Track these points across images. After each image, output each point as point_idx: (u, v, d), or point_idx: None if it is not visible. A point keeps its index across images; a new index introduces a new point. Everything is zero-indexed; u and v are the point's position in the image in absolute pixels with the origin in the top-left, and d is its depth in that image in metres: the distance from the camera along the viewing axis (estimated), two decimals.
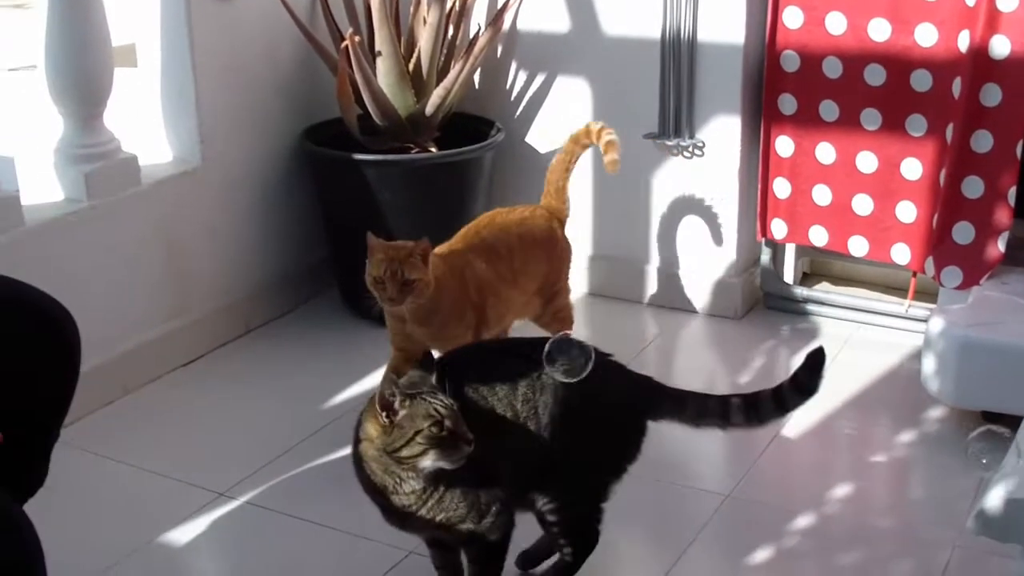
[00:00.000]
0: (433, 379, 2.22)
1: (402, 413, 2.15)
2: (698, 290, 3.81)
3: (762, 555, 2.63)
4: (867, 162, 3.46)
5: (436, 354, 2.36)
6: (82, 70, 3.17)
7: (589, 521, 2.40)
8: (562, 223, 3.27)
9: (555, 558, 2.44)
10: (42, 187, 3.24)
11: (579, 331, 3.76)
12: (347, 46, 3.45)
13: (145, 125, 3.54)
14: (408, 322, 2.93)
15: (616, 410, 2.41)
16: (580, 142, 3.27)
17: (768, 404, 2.45)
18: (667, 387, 2.44)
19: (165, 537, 2.73)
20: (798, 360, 3.37)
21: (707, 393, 2.44)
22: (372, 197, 3.57)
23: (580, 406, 2.33)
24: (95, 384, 3.17)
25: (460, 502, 2.23)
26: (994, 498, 1.86)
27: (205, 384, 3.44)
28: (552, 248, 3.21)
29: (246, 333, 3.72)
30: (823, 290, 3.84)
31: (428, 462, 2.15)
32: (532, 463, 2.32)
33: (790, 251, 3.83)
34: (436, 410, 2.14)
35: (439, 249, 3.00)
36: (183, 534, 2.74)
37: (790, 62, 3.49)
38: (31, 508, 1.64)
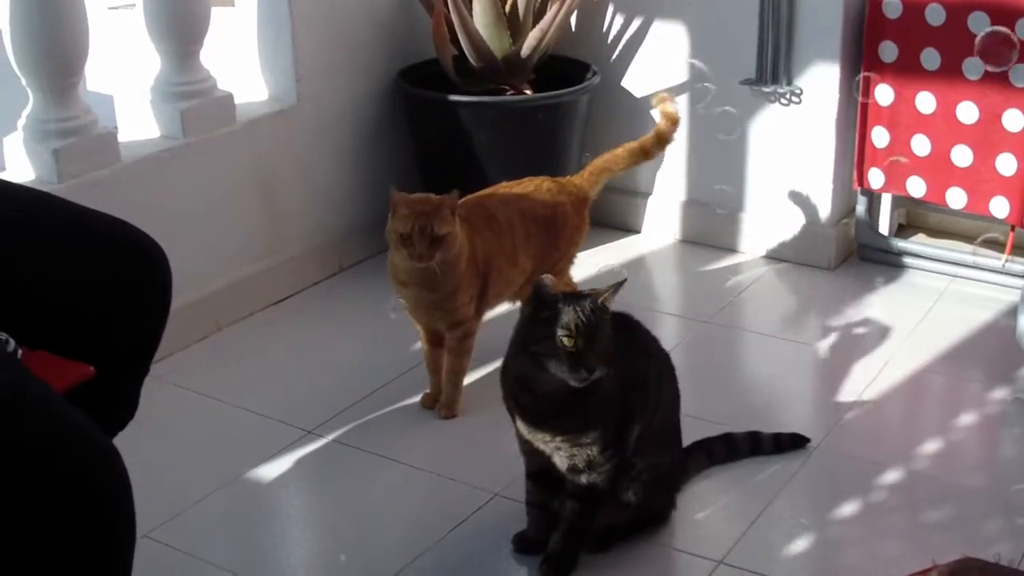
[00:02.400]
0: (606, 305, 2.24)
1: (548, 313, 2.19)
2: (792, 239, 3.78)
3: (848, 509, 2.61)
4: (968, 112, 3.40)
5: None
6: (180, 8, 3.20)
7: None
8: (578, 202, 3.12)
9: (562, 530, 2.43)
10: (139, 124, 3.28)
11: (674, 279, 3.77)
12: None
13: (241, 64, 3.56)
14: (411, 285, 2.82)
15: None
16: (649, 150, 3.25)
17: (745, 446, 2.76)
18: None
19: (253, 473, 2.77)
20: (892, 312, 3.38)
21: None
22: (466, 138, 3.57)
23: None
24: (188, 320, 3.22)
25: (595, 433, 2.28)
26: None
27: (297, 322, 3.47)
28: (553, 227, 3.05)
29: (339, 272, 3.74)
30: (919, 242, 3.79)
31: (552, 368, 2.19)
32: (646, 433, 2.38)
33: (886, 202, 3.77)
34: (575, 325, 2.16)
35: None
36: (271, 470, 2.78)
37: (892, 8, 3.43)
38: (121, 441, 1.66)
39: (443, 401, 2.94)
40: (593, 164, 3.19)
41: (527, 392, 2.29)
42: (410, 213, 2.68)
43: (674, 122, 3.23)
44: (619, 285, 2.25)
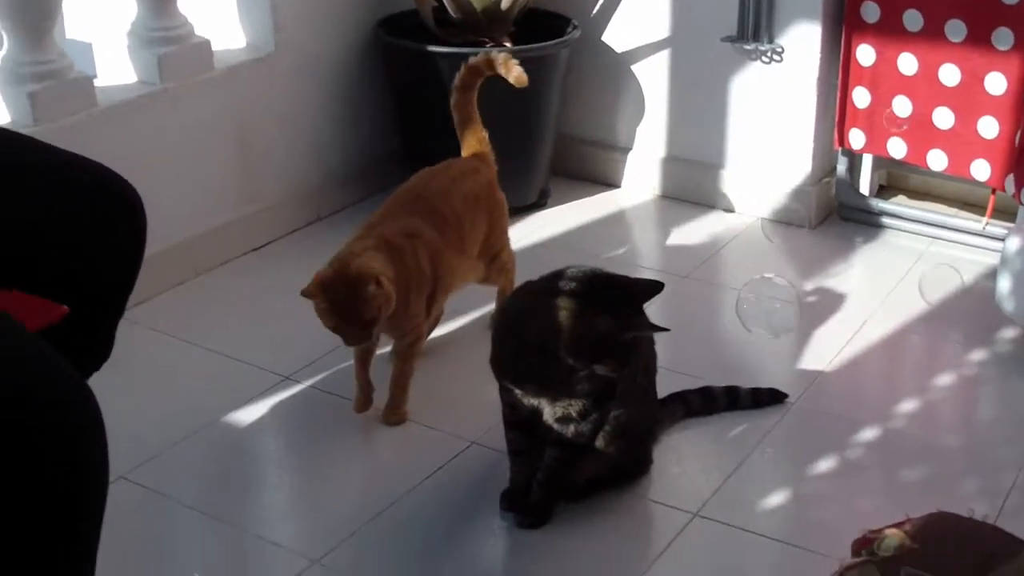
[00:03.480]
0: None
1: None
2: (771, 197, 3.77)
3: (825, 465, 2.62)
4: (950, 74, 3.39)
5: None
6: None
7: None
8: (492, 170, 2.99)
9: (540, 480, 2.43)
10: (118, 73, 3.25)
11: (653, 234, 3.76)
12: None
13: (219, 11, 3.52)
14: None
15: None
16: (481, 72, 2.97)
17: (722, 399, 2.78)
18: None
19: (229, 417, 2.76)
20: (871, 272, 3.38)
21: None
22: (445, 90, 3.52)
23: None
24: (165, 265, 3.20)
25: (587, 396, 2.30)
26: None
27: (274, 269, 3.45)
28: (492, 204, 2.95)
29: (317, 220, 3.72)
30: (899, 203, 3.78)
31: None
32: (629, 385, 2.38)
33: (867, 162, 3.77)
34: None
35: (376, 225, 2.73)
36: (247, 415, 2.77)
37: None
38: (98, 384, 1.65)
39: (390, 406, 2.75)
40: (461, 129, 3.01)
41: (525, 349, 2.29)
42: (330, 307, 2.52)
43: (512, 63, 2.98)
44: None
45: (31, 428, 1.45)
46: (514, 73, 2.93)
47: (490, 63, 2.94)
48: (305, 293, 2.52)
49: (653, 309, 2.33)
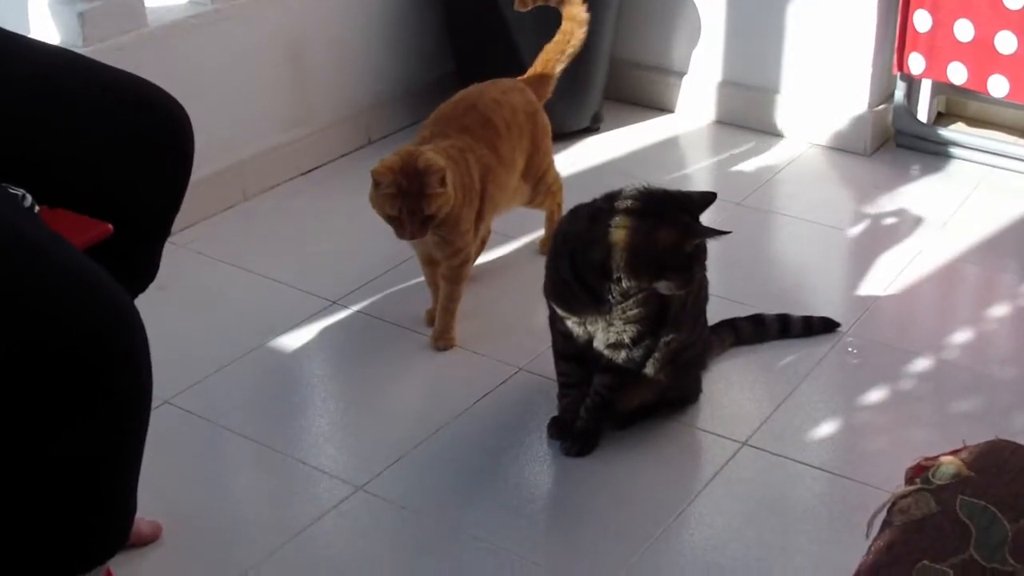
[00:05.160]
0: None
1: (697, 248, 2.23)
2: (828, 123, 3.71)
3: (876, 395, 2.59)
4: None
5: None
6: None
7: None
8: (541, 99, 2.96)
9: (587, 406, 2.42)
10: None
11: (707, 160, 3.71)
12: None
13: None
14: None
15: None
16: (579, 20, 3.00)
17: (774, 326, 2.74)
18: None
19: (276, 342, 2.76)
20: (927, 200, 3.33)
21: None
22: (499, 13, 3.51)
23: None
24: (214, 189, 3.19)
25: (641, 321, 2.28)
26: None
27: (324, 193, 3.44)
28: (536, 123, 2.90)
29: (367, 144, 3.70)
30: (957, 130, 3.72)
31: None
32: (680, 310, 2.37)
33: (926, 88, 3.69)
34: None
35: (427, 140, 2.70)
36: (294, 339, 2.77)
37: None
38: (145, 307, 1.64)
39: (438, 330, 2.74)
40: (538, 64, 3.01)
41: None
42: (396, 192, 2.48)
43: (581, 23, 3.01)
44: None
45: (74, 346, 1.45)
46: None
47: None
48: (375, 173, 2.50)
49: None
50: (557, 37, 3.00)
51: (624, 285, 2.21)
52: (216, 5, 3.19)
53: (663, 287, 2.21)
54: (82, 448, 1.51)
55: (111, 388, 1.49)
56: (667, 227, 2.18)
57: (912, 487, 1.85)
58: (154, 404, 1.61)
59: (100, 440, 1.53)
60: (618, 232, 2.17)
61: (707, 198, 2.28)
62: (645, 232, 2.17)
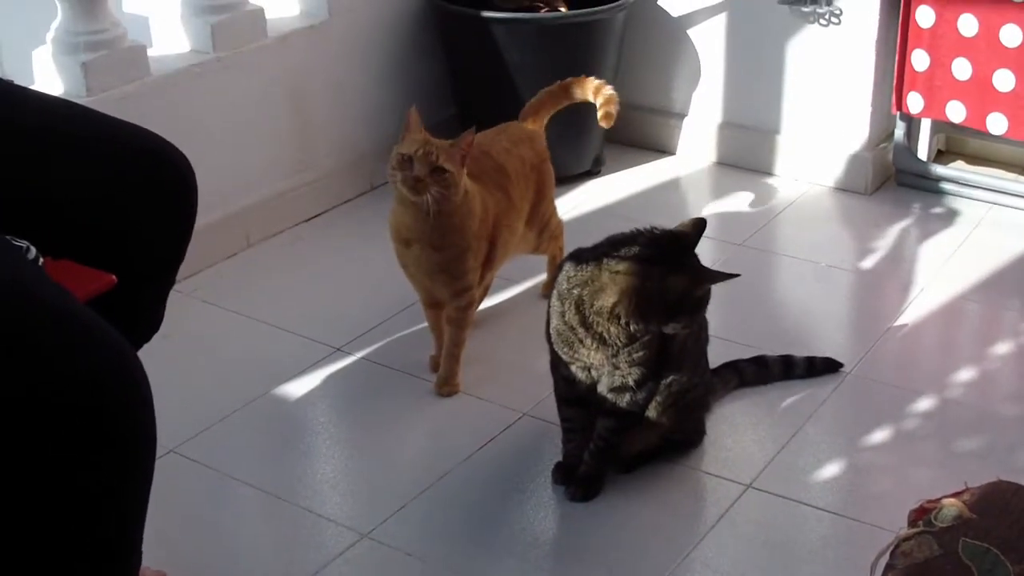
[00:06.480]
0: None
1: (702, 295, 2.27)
2: (828, 163, 3.72)
3: (880, 435, 2.59)
4: (1011, 35, 3.32)
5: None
6: None
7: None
8: (544, 144, 2.97)
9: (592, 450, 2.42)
10: (171, 41, 3.25)
11: (708, 202, 3.72)
12: None
13: None
14: (416, 243, 2.61)
15: None
16: (571, 95, 3.03)
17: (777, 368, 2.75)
18: None
19: (281, 389, 2.76)
20: (929, 238, 3.34)
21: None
22: (500, 56, 3.53)
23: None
24: (218, 236, 3.20)
25: (646, 364, 2.29)
26: None
27: (327, 239, 3.45)
28: (542, 173, 2.92)
29: (371, 190, 3.71)
30: (958, 168, 3.73)
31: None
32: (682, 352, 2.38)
33: (925, 127, 3.71)
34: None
35: None
36: (299, 387, 2.77)
37: None
38: (149, 356, 1.65)
39: (443, 376, 2.73)
40: (531, 109, 3.01)
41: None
42: (421, 138, 2.53)
43: (612, 103, 3.02)
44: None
45: (78, 399, 1.45)
46: (603, 112, 3.00)
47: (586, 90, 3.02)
48: (410, 114, 2.58)
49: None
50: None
51: (632, 329, 2.22)
52: (218, 54, 3.21)
53: (670, 328, 2.23)
54: (87, 499, 1.51)
55: (115, 440, 1.50)
56: (677, 274, 2.20)
57: (915, 530, 1.85)
58: (159, 453, 1.61)
59: (105, 491, 1.53)
60: (628, 279, 2.19)
61: (699, 227, 2.30)
62: (656, 279, 2.19)
